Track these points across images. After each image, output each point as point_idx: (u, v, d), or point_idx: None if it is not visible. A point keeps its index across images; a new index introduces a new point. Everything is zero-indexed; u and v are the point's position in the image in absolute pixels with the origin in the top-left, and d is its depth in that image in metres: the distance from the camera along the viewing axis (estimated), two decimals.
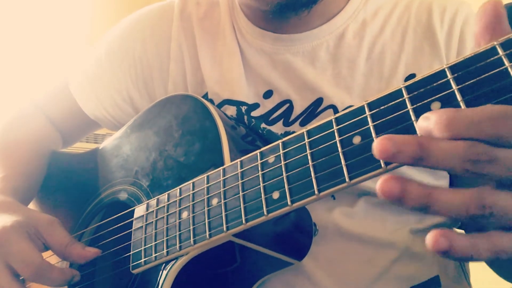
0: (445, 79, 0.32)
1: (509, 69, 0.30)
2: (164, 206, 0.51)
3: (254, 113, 0.65)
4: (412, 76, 0.61)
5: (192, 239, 0.47)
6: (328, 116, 0.39)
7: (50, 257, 0.59)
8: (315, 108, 0.63)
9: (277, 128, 0.64)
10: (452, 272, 0.63)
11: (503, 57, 0.30)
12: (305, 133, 0.40)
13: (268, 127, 0.64)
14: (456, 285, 0.62)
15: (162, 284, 0.48)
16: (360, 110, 0.37)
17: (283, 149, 0.41)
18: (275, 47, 0.66)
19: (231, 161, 0.48)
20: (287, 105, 0.64)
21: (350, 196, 0.61)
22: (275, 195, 0.41)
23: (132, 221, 0.55)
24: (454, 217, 0.30)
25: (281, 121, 0.64)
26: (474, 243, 0.30)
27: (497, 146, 0.29)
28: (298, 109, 0.63)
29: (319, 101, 0.63)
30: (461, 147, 0.29)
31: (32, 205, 0.71)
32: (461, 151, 0.29)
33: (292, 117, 0.63)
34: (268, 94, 0.65)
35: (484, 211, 0.29)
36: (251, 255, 0.50)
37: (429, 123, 0.30)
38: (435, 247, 0.29)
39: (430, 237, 0.29)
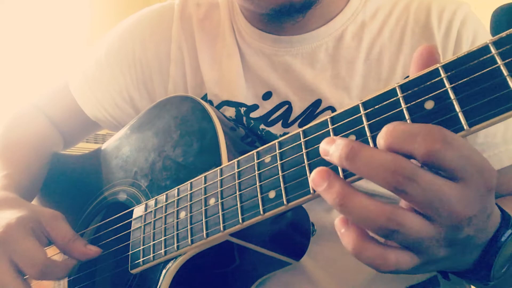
0: (439, 78, 0.33)
1: (502, 67, 0.30)
2: (162, 207, 0.52)
3: (253, 114, 0.65)
4: None
5: (189, 239, 0.47)
6: None
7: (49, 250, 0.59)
8: (314, 109, 0.63)
9: (276, 129, 0.64)
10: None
11: (495, 55, 0.31)
12: (301, 132, 0.40)
13: (267, 128, 0.64)
14: (455, 285, 0.62)
15: (161, 283, 0.49)
16: (355, 109, 0.37)
17: (279, 148, 0.42)
18: (275, 48, 0.66)
19: (229, 161, 0.48)
20: (286, 106, 0.64)
21: None
22: (271, 194, 0.41)
23: (131, 221, 0.55)
24: (364, 225, 0.32)
25: (280, 122, 0.64)
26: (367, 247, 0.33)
27: (427, 168, 0.31)
28: (297, 110, 0.63)
29: (318, 102, 0.63)
30: (387, 157, 0.31)
31: None
32: (386, 161, 0.31)
33: (291, 118, 0.64)
34: (267, 96, 0.65)
35: (392, 226, 0.31)
36: (249, 255, 0.50)
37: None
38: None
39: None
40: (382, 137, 0.31)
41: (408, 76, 0.60)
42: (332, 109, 0.62)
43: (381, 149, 0.32)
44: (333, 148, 0.33)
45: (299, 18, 0.62)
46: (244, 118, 0.65)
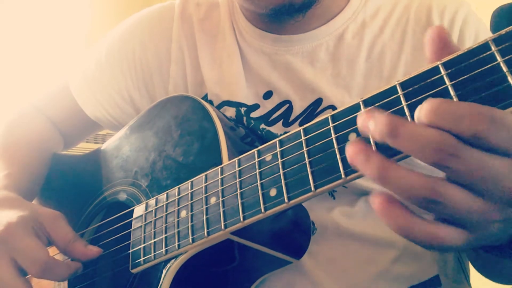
0: (439, 75, 0.33)
1: (501, 64, 0.30)
2: (163, 206, 0.52)
3: (254, 114, 0.65)
4: None
5: (190, 238, 0.47)
6: None
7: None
8: (314, 108, 0.63)
9: (277, 128, 0.64)
10: (452, 272, 0.62)
11: (495, 52, 0.31)
12: (301, 130, 0.40)
13: (268, 128, 0.64)
14: (456, 285, 0.62)
15: (161, 283, 0.49)
16: (356, 107, 0.37)
17: (280, 147, 0.42)
18: (275, 47, 0.66)
19: (229, 160, 0.48)
20: (287, 105, 0.64)
21: (350, 196, 0.61)
22: (272, 192, 0.41)
23: (131, 220, 0.55)
24: (406, 197, 0.31)
25: (281, 121, 0.64)
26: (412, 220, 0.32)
27: (470, 146, 0.30)
28: (297, 109, 0.64)
29: (319, 101, 0.63)
30: (431, 133, 0.30)
31: None
32: (430, 137, 0.30)
33: (292, 117, 0.64)
34: (268, 95, 0.66)
35: (434, 196, 0.30)
36: (250, 253, 0.50)
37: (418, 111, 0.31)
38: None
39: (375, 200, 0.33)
40: (425, 115, 0.30)
41: None
42: (333, 107, 0.62)
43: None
44: (372, 124, 0.32)
45: (299, 18, 0.62)
46: (245, 118, 0.65)
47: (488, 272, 0.54)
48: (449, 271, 0.62)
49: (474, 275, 0.67)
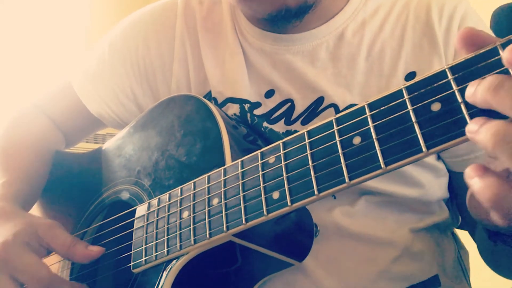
0: (446, 80, 0.32)
1: (510, 70, 0.30)
2: (165, 206, 0.51)
3: (257, 112, 0.65)
4: (412, 73, 0.61)
5: (192, 239, 0.47)
6: (329, 115, 0.39)
7: (51, 257, 0.59)
8: (316, 107, 0.63)
9: (279, 127, 0.64)
10: (452, 272, 0.63)
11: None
12: (305, 133, 0.40)
13: (270, 126, 0.64)
14: (456, 284, 0.62)
15: (163, 283, 0.48)
16: (361, 110, 0.37)
17: (284, 149, 0.41)
18: (275, 47, 0.66)
19: (232, 161, 0.48)
20: (289, 104, 0.64)
21: (351, 195, 0.61)
22: (275, 195, 0.41)
23: (133, 220, 0.55)
24: None
25: (283, 120, 0.64)
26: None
27: None
28: (299, 108, 0.63)
29: (320, 100, 0.63)
30: None
31: (35, 205, 0.71)
32: None
33: (294, 116, 0.64)
34: (269, 94, 0.65)
35: None
36: (252, 255, 0.50)
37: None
38: None
39: None
40: None
41: (411, 73, 0.61)
42: (335, 106, 0.62)
43: None
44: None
45: (296, 23, 0.62)
46: (248, 115, 0.64)
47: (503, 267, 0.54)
48: (449, 270, 0.63)
49: (474, 275, 0.67)
